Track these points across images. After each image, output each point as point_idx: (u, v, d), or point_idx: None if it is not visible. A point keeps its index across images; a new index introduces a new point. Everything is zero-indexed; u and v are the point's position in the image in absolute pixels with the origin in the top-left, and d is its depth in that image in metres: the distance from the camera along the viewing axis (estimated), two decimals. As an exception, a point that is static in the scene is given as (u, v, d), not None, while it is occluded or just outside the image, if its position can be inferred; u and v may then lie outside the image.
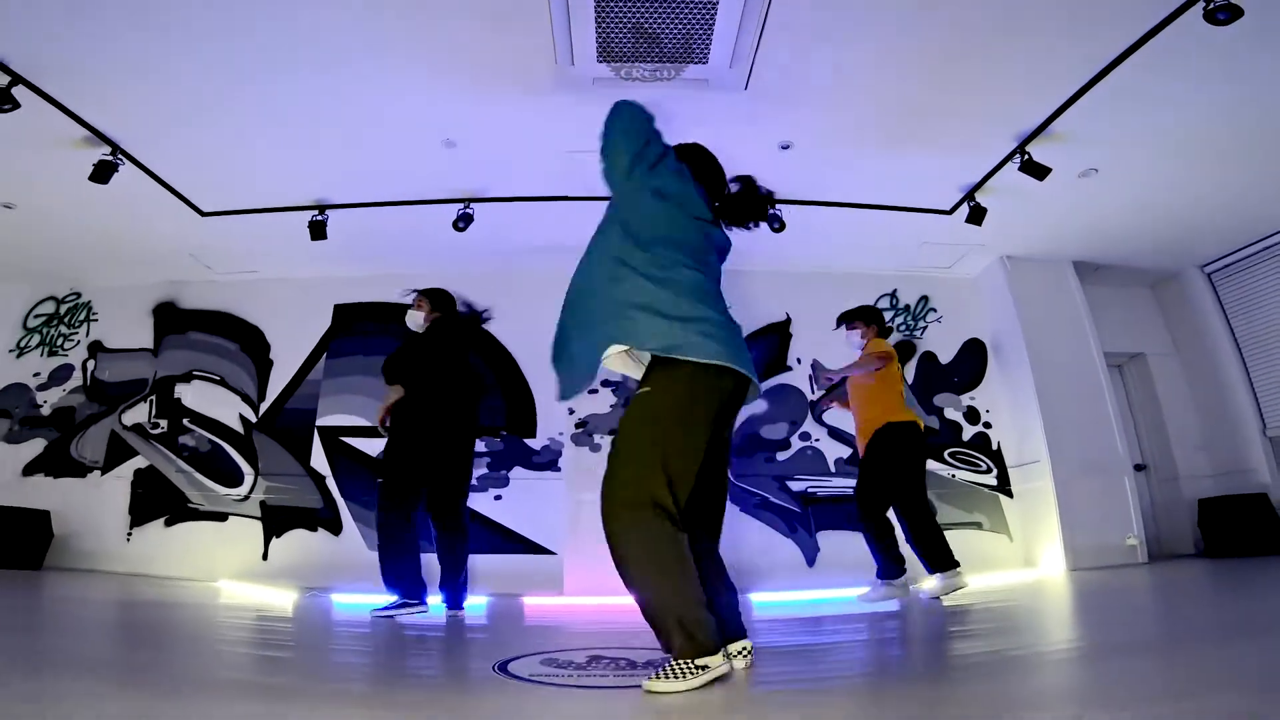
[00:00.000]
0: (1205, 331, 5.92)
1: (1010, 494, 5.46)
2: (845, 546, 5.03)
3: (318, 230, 4.94)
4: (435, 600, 3.54)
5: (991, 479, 5.52)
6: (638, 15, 3.33)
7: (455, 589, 3.54)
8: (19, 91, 3.57)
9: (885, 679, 1.90)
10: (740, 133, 4.23)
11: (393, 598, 3.35)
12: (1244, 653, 1.83)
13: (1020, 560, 5.25)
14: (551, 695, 1.66)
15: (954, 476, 5.51)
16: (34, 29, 3.29)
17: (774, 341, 5.80)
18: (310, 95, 3.86)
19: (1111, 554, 4.91)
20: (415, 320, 3.87)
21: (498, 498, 5.31)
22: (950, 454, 5.55)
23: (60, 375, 5.95)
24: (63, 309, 6.19)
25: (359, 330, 5.84)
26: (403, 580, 3.36)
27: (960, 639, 2.48)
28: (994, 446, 5.61)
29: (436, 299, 3.93)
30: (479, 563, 4.98)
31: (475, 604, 4.10)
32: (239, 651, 2.30)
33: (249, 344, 5.89)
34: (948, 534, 5.06)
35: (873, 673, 1.98)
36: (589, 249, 1.97)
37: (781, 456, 5.43)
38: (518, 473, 5.38)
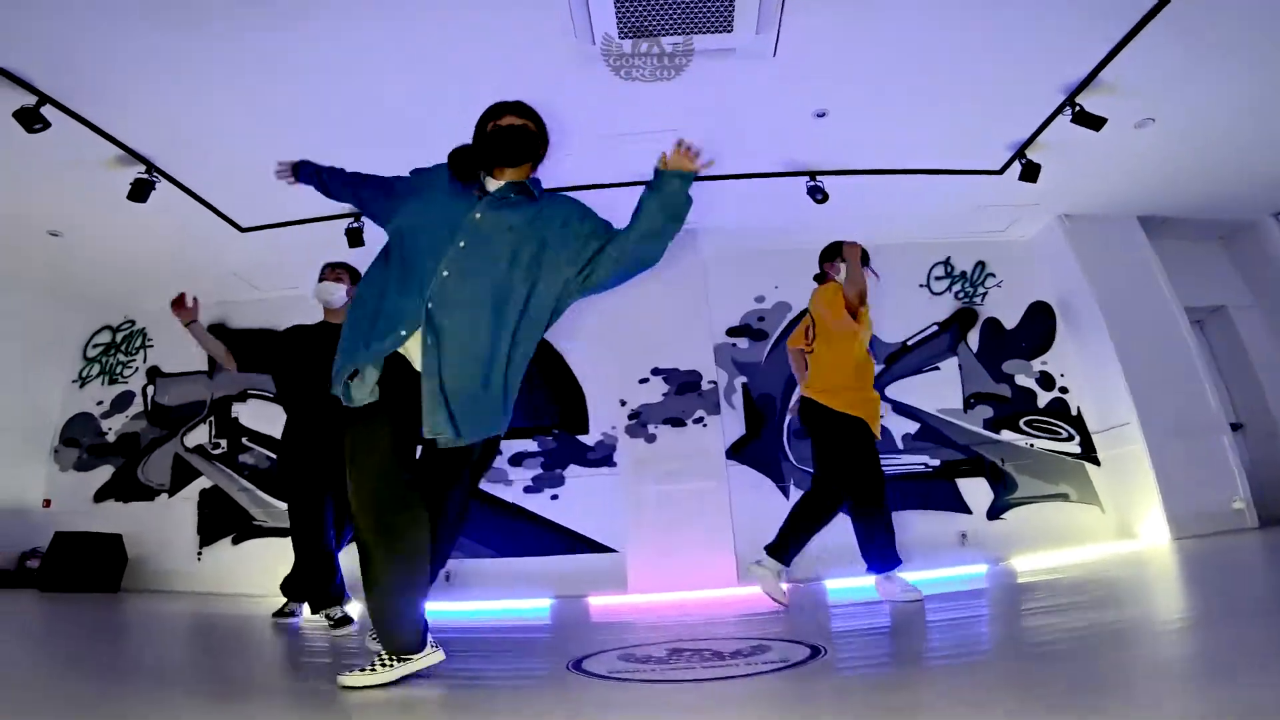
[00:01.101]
0: (1287, 280, 5.50)
1: (1097, 461, 5.13)
2: (919, 526, 4.79)
3: (355, 238, 4.91)
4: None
5: (1074, 446, 5.19)
6: None
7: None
8: (48, 111, 3.54)
9: (972, 660, 1.71)
10: (772, 102, 4.06)
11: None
12: None
13: (1114, 531, 4.91)
14: (638, 691, 1.53)
15: (1032, 446, 5.19)
16: (57, 47, 3.27)
17: (826, 318, 5.59)
18: (338, 98, 3.81)
19: (1217, 520, 4.53)
20: (335, 294, 3.45)
21: (554, 498, 5.21)
22: (1026, 422, 5.24)
23: (122, 402, 6.09)
24: (119, 337, 6.33)
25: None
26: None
27: (1051, 614, 2.27)
28: (1073, 412, 5.28)
29: (356, 275, 3.54)
30: (540, 565, 4.93)
31: (539, 606, 4.02)
32: (317, 662, 2.25)
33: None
34: (1031, 508, 4.76)
35: (956, 655, 1.79)
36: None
37: (847, 435, 5.21)
38: (573, 471, 5.27)
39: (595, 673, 1.72)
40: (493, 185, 1.95)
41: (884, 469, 3.28)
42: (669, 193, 1.89)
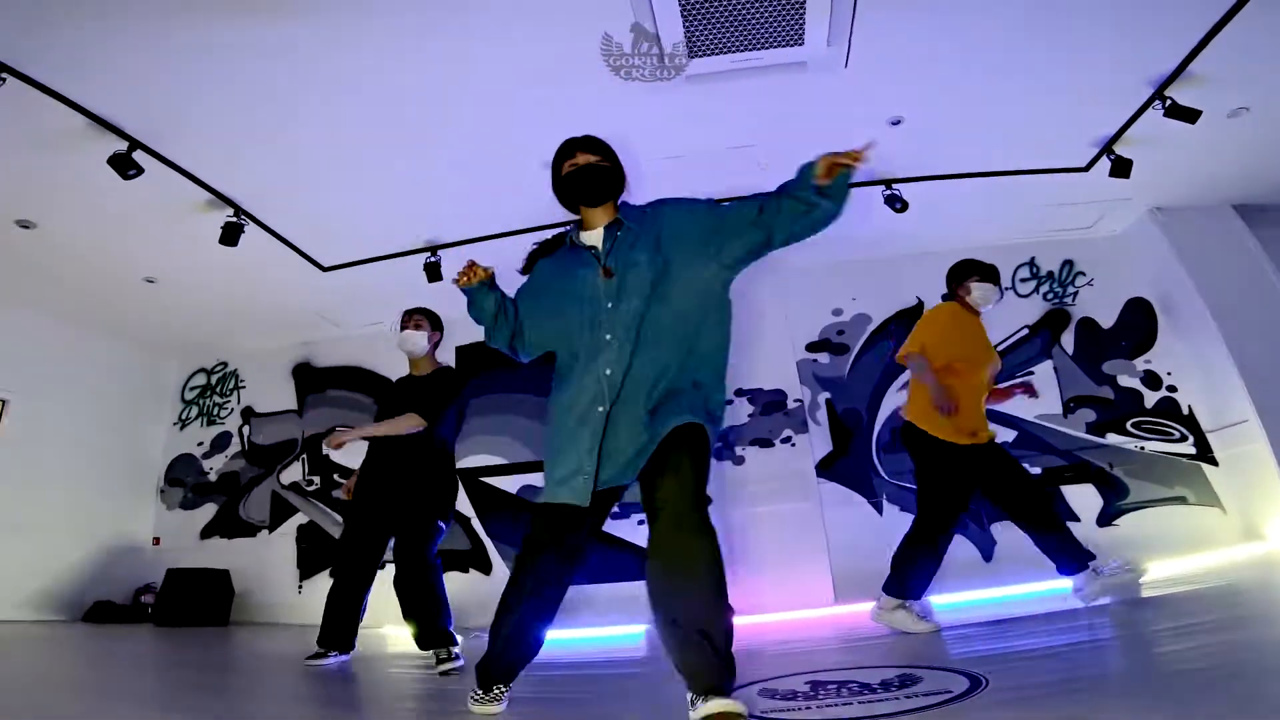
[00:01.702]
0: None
1: (1214, 461, 4.83)
2: (1020, 537, 4.59)
3: (433, 272, 5.01)
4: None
5: (1188, 447, 4.90)
6: (724, 2, 3.19)
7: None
8: (139, 156, 3.67)
9: (1127, 685, 1.59)
10: (846, 113, 4.00)
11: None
12: None
13: (1240, 534, 4.60)
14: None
15: (1142, 449, 4.92)
16: (148, 96, 3.42)
17: (907, 328, 5.45)
18: (410, 135, 3.90)
19: (1357, 514, 4.22)
20: (416, 343, 3.39)
21: (641, 523, 5.17)
22: (1134, 424, 4.98)
23: (221, 442, 6.37)
24: (213, 379, 6.64)
25: (481, 368, 5.92)
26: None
27: (1204, 634, 2.11)
28: (1184, 411, 5.00)
29: (436, 320, 3.52)
30: (630, 590, 4.88)
31: (634, 633, 3.98)
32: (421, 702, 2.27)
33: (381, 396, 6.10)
34: (1146, 513, 4.51)
35: (1110, 680, 1.68)
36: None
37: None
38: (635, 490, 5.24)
39: (750, 713, 1.67)
40: (590, 236, 1.98)
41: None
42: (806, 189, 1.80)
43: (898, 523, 4.80)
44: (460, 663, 3.00)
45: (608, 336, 1.82)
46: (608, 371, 1.79)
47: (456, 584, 5.32)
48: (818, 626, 3.58)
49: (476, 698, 1.93)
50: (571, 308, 1.90)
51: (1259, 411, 4.48)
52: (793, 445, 4.87)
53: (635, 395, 1.78)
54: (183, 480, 6.31)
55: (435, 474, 3.32)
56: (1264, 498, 4.46)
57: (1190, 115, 3.82)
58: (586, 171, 1.96)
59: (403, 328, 3.43)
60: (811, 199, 1.77)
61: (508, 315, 2.01)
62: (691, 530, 1.64)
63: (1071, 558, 3.00)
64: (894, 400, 5.19)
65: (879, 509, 4.92)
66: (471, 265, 1.95)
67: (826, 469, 5.06)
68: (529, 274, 2.10)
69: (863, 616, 3.11)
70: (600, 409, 1.79)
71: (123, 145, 3.62)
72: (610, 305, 1.85)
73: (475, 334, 6.13)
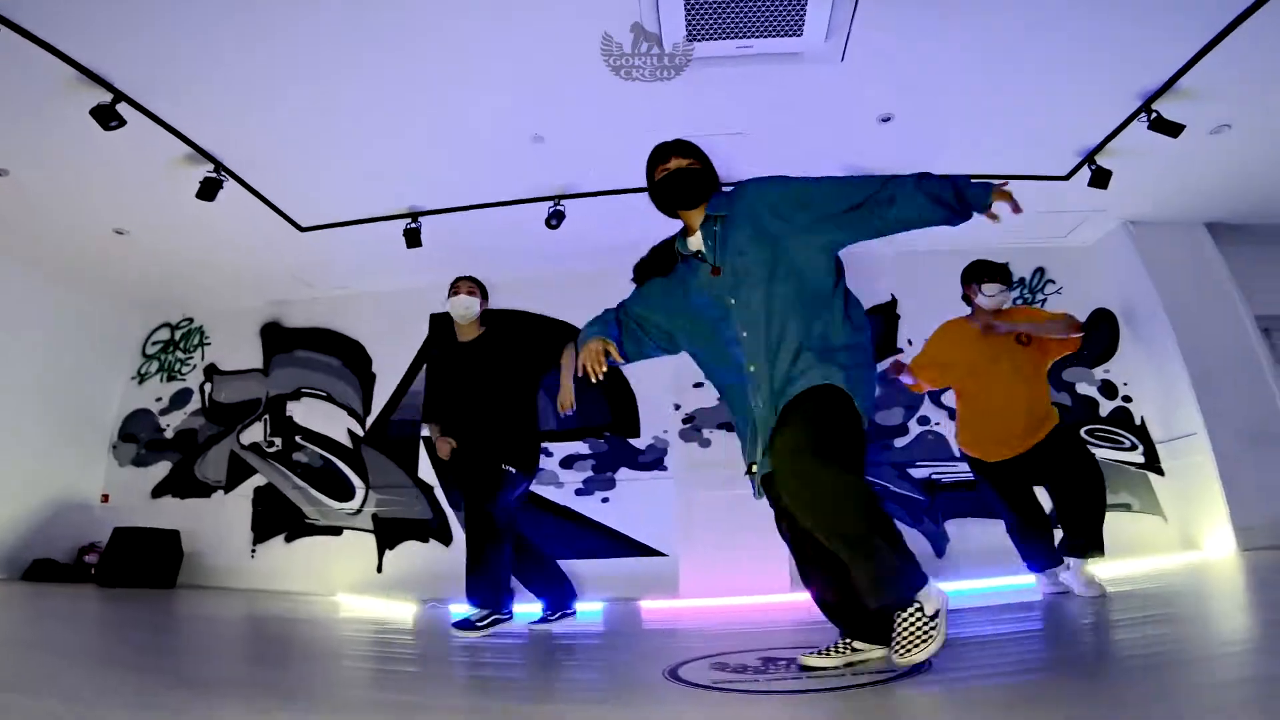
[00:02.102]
0: (1358, 288, 5.33)
1: (1160, 471, 4.99)
2: (976, 535, 4.71)
3: (413, 238, 4.96)
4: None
5: (1137, 456, 5.06)
6: None
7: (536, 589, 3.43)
8: (123, 109, 3.61)
9: (1052, 674, 1.65)
10: (838, 107, 4.06)
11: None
12: None
13: (1178, 543, 4.78)
14: (742, 703, 1.51)
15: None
16: (137, 48, 3.35)
17: (879, 324, 5.51)
18: (396, 100, 3.85)
19: (1287, 533, 4.40)
20: (468, 308, 3.43)
21: (604, 500, 5.21)
22: (1087, 431, 5.13)
23: (180, 399, 6.22)
24: (177, 334, 6.47)
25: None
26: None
27: (1131, 628, 2.20)
28: (1137, 421, 5.15)
29: (485, 289, 3.56)
30: (591, 567, 4.91)
31: (592, 610, 4.01)
32: (395, 670, 2.26)
33: (351, 359, 6.02)
34: None
35: (1042, 668, 1.74)
36: None
37: (899, 443, 5.14)
38: (624, 474, 5.27)
39: (696, 682, 1.70)
40: (694, 241, 1.99)
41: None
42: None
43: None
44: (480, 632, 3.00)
45: (743, 333, 1.84)
46: (751, 368, 1.82)
47: (418, 554, 5.31)
48: (773, 610, 3.64)
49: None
50: (701, 313, 1.96)
51: (1207, 426, 4.63)
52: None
53: (779, 346, 1.79)
54: (137, 436, 6.14)
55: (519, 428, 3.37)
56: (1203, 510, 4.63)
57: (1174, 129, 3.88)
58: (679, 176, 1.97)
59: (455, 293, 3.49)
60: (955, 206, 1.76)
61: (633, 337, 2.06)
62: (800, 470, 1.61)
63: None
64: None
65: (839, 500, 5.01)
66: (598, 359, 1.89)
67: (792, 458, 5.12)
68: (641, 286, 2.12)
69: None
70: (753, 403, 1.83)
71: (107, 97, 3.56)
72: (733, 301, 1.87)
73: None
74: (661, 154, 2.05)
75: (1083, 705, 1.30)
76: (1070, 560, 3.13)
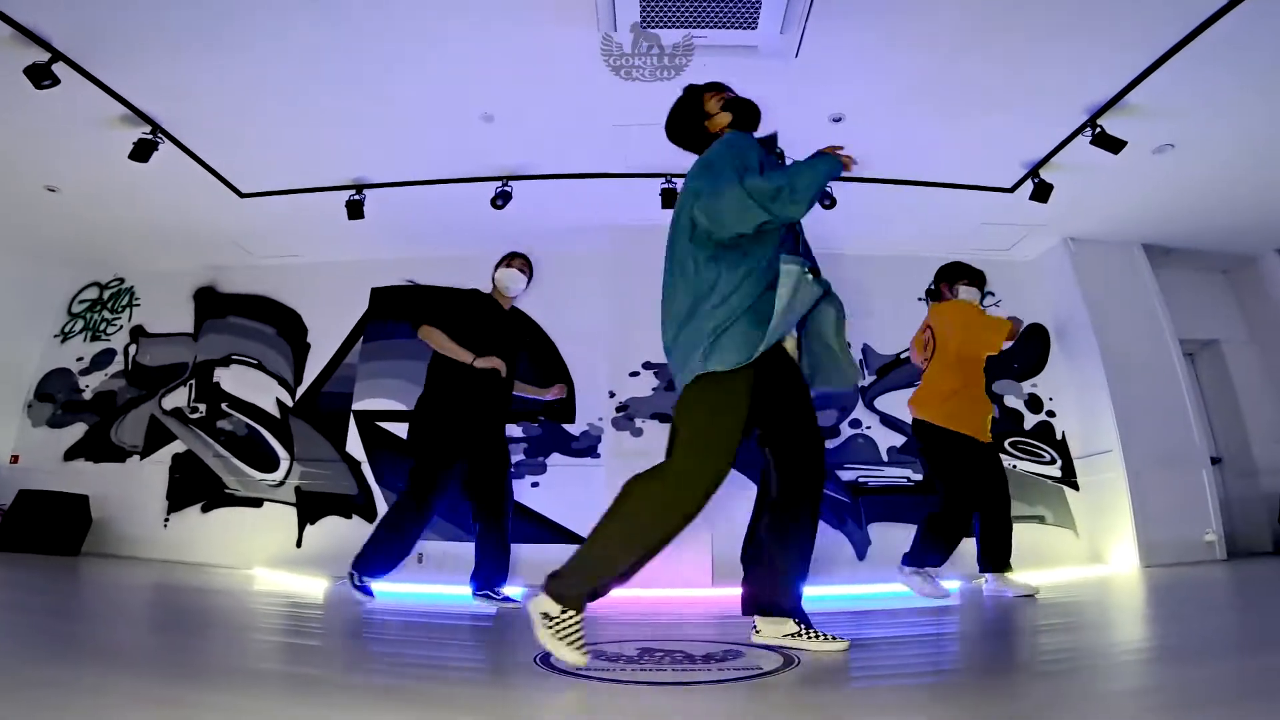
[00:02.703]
0: (1284, 318, 5.54)
1: (1076, 486, 5.14)
2: (900, 539, 4.78)
3: (355, 210, 4.85)
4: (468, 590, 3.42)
5: (1055, 470, 5.20)
6: None
7: (498, 575, 3.36)
8: (59, 69, 3.52)
9: (942, 678, 1.68)
10: (790, 103, 4.02)
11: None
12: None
13: (1086, 556, 4.94)
14: (601, 690, 1.49)
15: (1014, 467, 5.19)
16: (76, 6, 3.25)
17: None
18: (343, 71, 3.76)
19: (1188, 550, 4.58)
20: (515, 281, 3.58)
21: (535, 485, 5.16)
22: (1011, 443, 5.24)
23: (102, 360, 5.99)
24: (106, 294, 6.23)
25: (396, 313, 5.75)
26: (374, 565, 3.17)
27: (1032, 635, 2.27)
28: (1058, 436, 5.28)
29: (530, 268, 3.69)
30: (516, 552, 4.84)
31: (513, 593, 3.97)
32: (272, 640, 2.19)
33: (286, 328, 5.85)
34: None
35: (930, 671, 1.77)
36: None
37: (830, 444, 5.19)
38: (555, 459, 5.22)
39: (563, 669, 1.67)
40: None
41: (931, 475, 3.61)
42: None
43: (785, 512, 4.94)
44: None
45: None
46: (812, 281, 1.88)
47: (340, 530, 5.20)
48: (686, 604, 3.64)
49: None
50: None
51: (1122, 445, 4.79)
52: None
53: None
54: (53, 396, 5.90)
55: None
56: (1112, 525, 4.79)
57: (1115, 145, 3.94)
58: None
59: (508, 265, 3.61)
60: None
61: None
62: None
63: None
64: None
65: (767, 497, 5.04)
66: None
67: (723, 453, 5.13)
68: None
69: (733, 599, 3.18)
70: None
71: (44, 56, 3.46)
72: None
73: (392, 276, 5.95)
74: (716, 86, 2.17)
75: (977, 709, 1.31)
76: (990, 575, 3.33)
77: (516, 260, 3.63)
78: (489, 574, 3.36)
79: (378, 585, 3.24)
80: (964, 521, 3.37)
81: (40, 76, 3.47)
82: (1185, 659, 1.71)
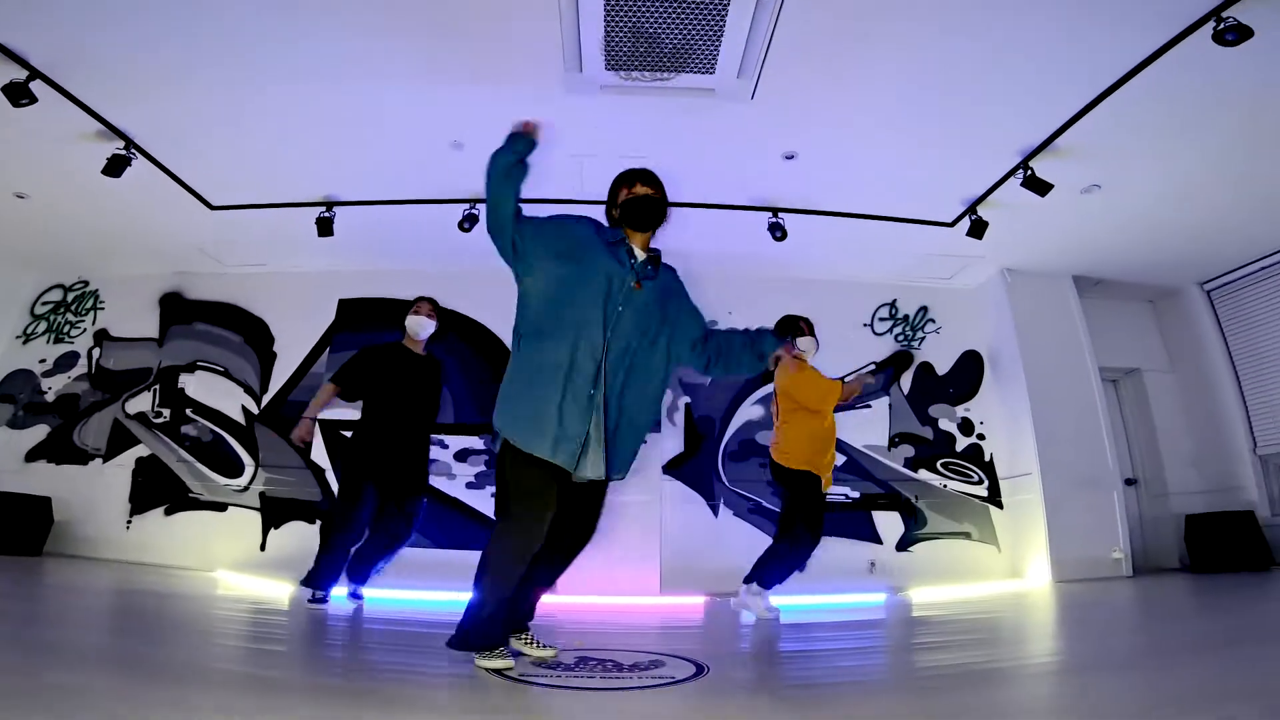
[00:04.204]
0: (1202, 349, 5.96)
1: (1000, 505, 5.52)
2: (835, 552, 5.08)
3: (325, 227, 5.00)
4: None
5: (983, 490, 5.57)
6: (645, 23, 3.36)
7: (367, 575, 3.67)
8: (36, 86, 3.60)
9: (862, 688, 1.95)
10: (744, 141, 4.30)
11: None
12: (1218, 665, 1.89)
13: (1007, 571, 5.31)
14: (532, 696, 1.71)
15: (945, 486, 5.56)
16: (54, 27, 3.34)
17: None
18: (321, 95, 3.91)
19: (1096, 567, 4.97)
20: (423, 328, 3.82)
21: (470, 486, 5.37)
22: (943, 464, 5.60)
23: (66, 362, 6.02)
24: (70, 297, 6.25)
25: (362, 325, 5.89)
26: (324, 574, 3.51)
27: (935, 650, 2.54)
28: (986, 458, 5.66)
29: (438, 309, 3.94)
30: (474, 558, 5.03)
31: (447, 600, 4.13)
32: (230, 645, 2.36)
33: (253, 336, 5.95)
34: (936, 543, 5.20)
35: (851, 682, 2.03)
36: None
37: (776, 463, 5.48)
38: (515, 471, 5.42)
39: (505, 674, 1.89)
40: (639, 254, 2.17)
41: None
42: (755, 359, 2.26)
43: (730, 526, 5.21)
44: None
45: (609, 333, 2.02)
46: (606, 365, 2.00)
47: (304, 535, 5.33)
48: (631, 613, 3.86)
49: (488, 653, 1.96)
50: (592, 274, 2.06)
51: (1041, 468, 5.17)
52: (644, 442, 5.16)
53: (636, 407, 2.08)
54: (14, 397, 5.91)
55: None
56: (1029, 542, 5.17)
57: (1042, 188, 4.23)
58: (647, 202, 2.18)
59: (415, 312, 3.84)
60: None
61: (518, 191, 2.16)
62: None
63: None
64: (747, 413, 5.60)
65: (715, 511, 5.32)
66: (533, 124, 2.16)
67: (674, 468, 5.40)
68: (561, 218, 2.20)
69: (678, 609, 3.42)
70: (592, 393, 1.98)
71: (21, 73, 3.55)
72: (620, 309, 2.06)
73: (360, 289, 6.05)
74: (630, 178, 2.24)
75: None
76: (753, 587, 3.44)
77: (424, 306, 3.86)
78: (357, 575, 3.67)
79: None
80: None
81: (18, 95, 3.55)
82: (1083, 670, 1.99)
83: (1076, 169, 4.33)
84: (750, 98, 3.86)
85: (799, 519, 3.39)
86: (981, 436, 5.71)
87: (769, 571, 3.38)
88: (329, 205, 5.00)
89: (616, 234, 2.18)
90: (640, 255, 2.18)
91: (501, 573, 1.98)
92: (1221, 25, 3.01)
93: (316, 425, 3.84)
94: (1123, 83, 3.56)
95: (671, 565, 4.84)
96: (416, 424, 3.75)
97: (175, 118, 4.10)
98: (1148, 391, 6.15)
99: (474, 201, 4.91)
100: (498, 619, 1.98)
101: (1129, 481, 5.80)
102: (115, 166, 4.24)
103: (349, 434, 3.83)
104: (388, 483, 3.63)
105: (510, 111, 3.96)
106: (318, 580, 3.52)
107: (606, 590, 4.48)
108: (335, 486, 5.51)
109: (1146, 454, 6.04)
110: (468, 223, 4.92)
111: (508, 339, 5.48)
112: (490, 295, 5.35)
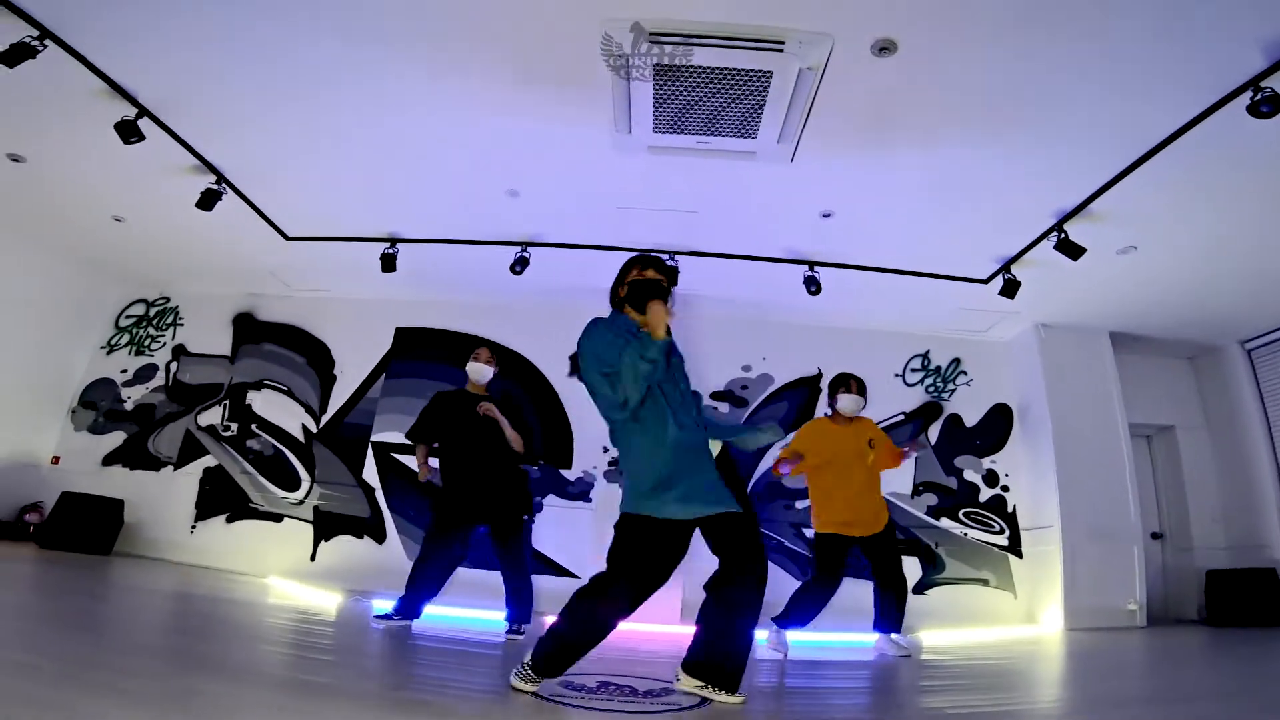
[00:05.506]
0: (1238, 408, 5.91)
1: (1020, 555, 5.58)
2: (852, 593, 5.19)
3: (388, 263, 5.37)
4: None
5: (1003, 539, 5.64)
6: (693, 96, 3.59)
7: (513, 610, 3.87)
8: (143, 123, 3.98)
9: None
10: (782, 200, 4.51)
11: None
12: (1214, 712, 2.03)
13: (1022, 617, 5.38)
14: (562, 714, 1.95)
15: (966, 535, 5.64)
16: (162, 68, 3.70)
17: (804, 394, 6.05)
18: (384, 138, 4.23)
19: (1111, 617, 5.01)
20: (483, 375, 4.02)
21: (528, 519, 5.62)
22: (965, 513, 5.69)
23: (145, 374, 6.51)
24: (152, 312, 6.76)
25: (418, 353, 6.27)
26: (407, 596, 3.72)
27: (939, 693, 2.70)
28: (1010, 509, 5.73)
29: (500, 359, 4.17)
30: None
31: (497, 620, 4.39)
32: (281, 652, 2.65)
33: (315, 358, 6.38)
34: (954, 588, 5.14)
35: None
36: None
37: (801, 504, 5.64)
38: (551, 500, 5.71)
39: (541, 695, 2.13)
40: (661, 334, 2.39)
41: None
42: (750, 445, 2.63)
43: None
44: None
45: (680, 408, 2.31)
46: (680, 428, 2.26)
47: (351, 549, 5.68)
48: (653, 640, 4.04)
49: (527, 675, 2.12)
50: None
51: (1062, 520, 5.23)
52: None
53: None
54: (96, 404, 6.41)
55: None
56: (1046, 591, 5.24)
57: (1075, 251, 4.30)
58: (659, 288, 2.32)
59: (476, 359, 4.06)
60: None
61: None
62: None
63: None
64: (770, 457, 5.78)
65: (739, 548, 5.48)
66: None
67: (702, 504, 5.58)
68: (599, 350, 2.33)
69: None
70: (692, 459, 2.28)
71: (131, 111, 3.92)
72: (669, 385, 2.31)
73: (417, 318, 6.42)
74: (644, 263, 2.40)
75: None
76: (884, 635, 3.75)
77: (483, 353, 4.09)
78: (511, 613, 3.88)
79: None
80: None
81: (129, 133, 3.91)
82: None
83: (1112, 231, 4.39)
84: (790, 160, 4.04)
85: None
86: (1005, 488, 5.78)
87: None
88: (392, 241, 5.38)
89: (630, 324, 2.36)
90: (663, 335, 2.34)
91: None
92: (1258, 96, 2.99)
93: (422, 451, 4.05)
94: (1160, 149, 3.61)
95: (691, 596, 4.97)
96: (496, 460, 3.91)
97: (259, 154, 4.49)
98: (1180, 448, 6.14)
99: (525, 244, 5.25)
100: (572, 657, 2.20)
101: (1156, 535, 5.80)
102: (208, 200, 4.63)
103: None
104: (485, 520, 3.85)
105: (563, 165, 4.34)
106: (399, 603, 3.74)
107: (632, 617, 4.67)
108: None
109: (1174, 509, 6.03)
110: (519, 265, 5.26)
111: (551, 373, 5.89)
112: (534, 327, 5.73)
